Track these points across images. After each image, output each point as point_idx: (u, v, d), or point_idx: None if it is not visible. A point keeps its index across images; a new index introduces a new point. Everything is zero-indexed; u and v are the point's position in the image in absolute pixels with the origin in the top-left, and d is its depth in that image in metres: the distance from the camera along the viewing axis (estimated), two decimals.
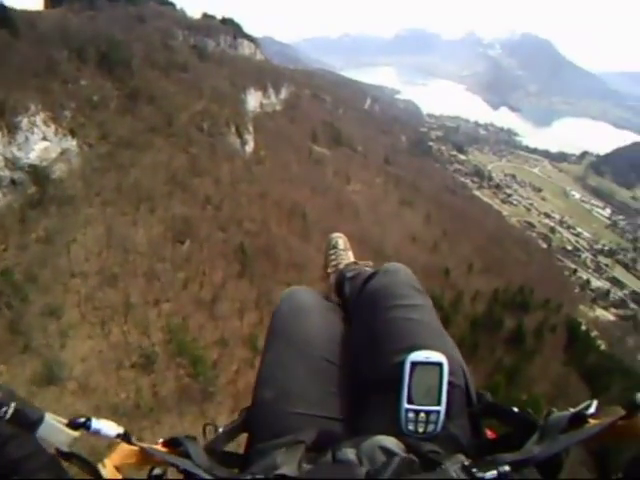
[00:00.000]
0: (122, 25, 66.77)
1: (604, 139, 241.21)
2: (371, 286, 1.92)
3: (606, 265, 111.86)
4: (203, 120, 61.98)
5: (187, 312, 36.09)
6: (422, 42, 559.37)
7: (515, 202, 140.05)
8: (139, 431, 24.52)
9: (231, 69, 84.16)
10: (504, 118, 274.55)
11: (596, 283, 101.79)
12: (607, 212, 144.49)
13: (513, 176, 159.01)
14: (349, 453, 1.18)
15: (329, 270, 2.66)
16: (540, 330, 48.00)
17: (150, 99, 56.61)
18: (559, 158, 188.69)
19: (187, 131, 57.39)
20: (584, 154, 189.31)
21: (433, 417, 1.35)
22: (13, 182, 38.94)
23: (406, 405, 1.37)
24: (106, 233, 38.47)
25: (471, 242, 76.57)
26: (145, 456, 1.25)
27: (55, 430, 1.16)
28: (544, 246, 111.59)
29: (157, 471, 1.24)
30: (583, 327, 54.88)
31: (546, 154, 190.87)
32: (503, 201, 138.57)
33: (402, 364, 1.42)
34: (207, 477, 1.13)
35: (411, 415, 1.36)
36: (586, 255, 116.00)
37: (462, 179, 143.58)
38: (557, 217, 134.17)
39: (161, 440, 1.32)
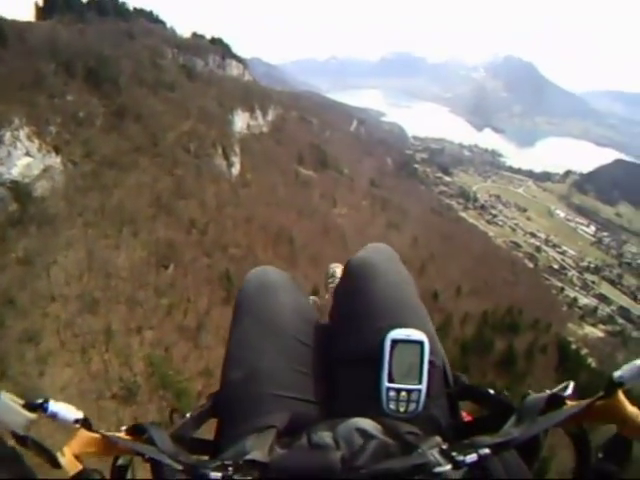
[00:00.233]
0: (111, 40, 66.14)
1: (587, 158, 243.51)
2: (353, 262, 1.81)
3: (592, 282, 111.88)
4: (190, 141, 61.30)
5: (171, 340, 34.77)
6: (407, 65, 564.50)
7: (500, 223, 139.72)
8: None
9: (219, 89, 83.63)
10: (488, 139, 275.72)
11: (583, 300, 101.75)
12: (592, 229, 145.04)
13: (498, 197, 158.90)
14: (325, 437, 1.16)
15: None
16: (531, 351, 47.61)
17: (137, 117, 55.87)
18: (543, 178, 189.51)
19: (173, 152, 56.63)
20: (567, 173, 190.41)
21: (414, 396, 1.34)
22: None
23: (387, 384, 1.36)
24: (87, 256, 37.17)
25: (458, 264, 76.33)
26: (107, 444, 1.18)
27: (10, 410, 1.07)
28: (530, 266, 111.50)
29: (122, 461, 1.20)
30: (573, 346, 54.42)
31: (530, 174, 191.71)
32: (489, 222, 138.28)
33: (382, 342, 1.40)
34: (172, 463, 1.08)
35: (392, 394, 1.36)
36: (572, 273, 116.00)
37: (448, 201, 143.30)
38: (542, 236, 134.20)
39: (124, 428, 1.26)
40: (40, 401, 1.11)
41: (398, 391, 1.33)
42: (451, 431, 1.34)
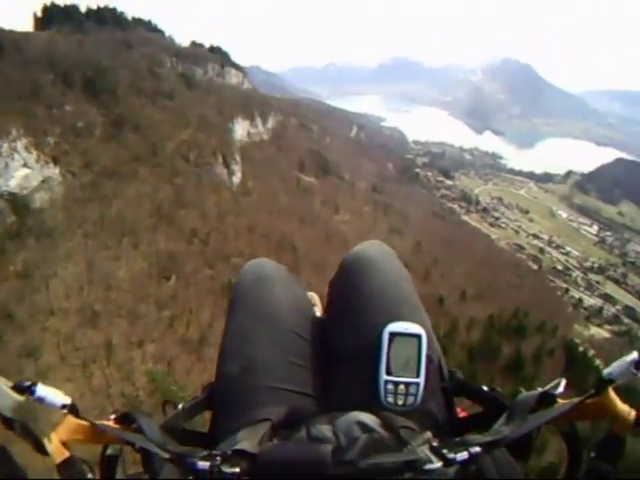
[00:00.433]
0: (109, 50, 65.97)
1: (587, 157, 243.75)
2: (347, 259, 1.82)
3: (597, 282, 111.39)
4: (189, 150, 60.80)
5: (173, 354, 33.96)
6: (406, 70, 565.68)
7: (503, 225, 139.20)
8: None
9: (218, 98, 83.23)
10: (488, 142, 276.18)
11: (588, 301, 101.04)
12: (594, 229, 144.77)
13: (500, 199, 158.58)
14: (325, 430, 1.16)
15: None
16: (538, 355, 47.02)
17: (135, 127, 55.48)
18: (544, 179, 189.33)
19: (173, 161, 56.19)
20: (569, 173, 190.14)
21: (412, 389, 1.35)
22: None
23: (385, 376, 1.37)
24: (87, 268, 36.62)
25: (462, 268, 75.75)
26: (95, 432, 1.16)
27: None
28: (535, 267, 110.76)
29: (111, 451, 1.19)
30: (580, 348, 53.53)
31: (531, 175, 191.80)
32: (491, 225, 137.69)
33: (380, 335, 1.41)
34: (159, 452, 1.07)
35: (390, 387, 1.36)
36: (577, 274, 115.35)
37: (450, 204, 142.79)
38: (545, 237, 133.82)
39: (113, 416, 1.24)
40: (28, 384, 1.08)
41: (396, 384, 1.35)
42: (447, 427, 1.36)
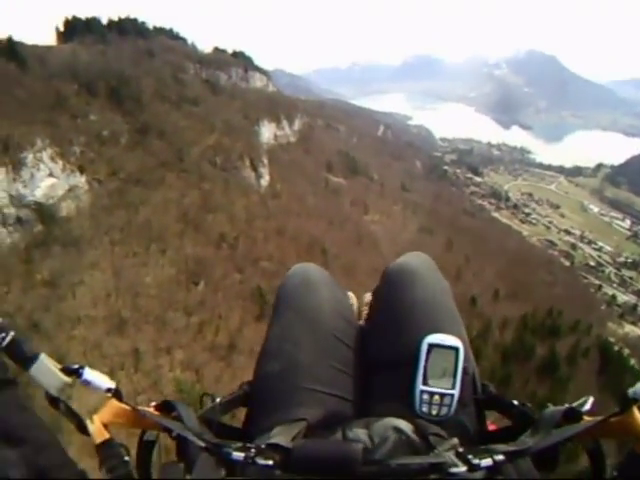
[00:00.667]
0: (132, 59, 66.29)
1: (617, 149, 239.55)
2: (393, 267, 1.85)
3: (630, 278, 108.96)
4: (216, 154, 60.67)
5: (202, 360, 33.47)
6: (429, 67, 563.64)
7: (534, 221, 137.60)
8: None
9: (244, 102, 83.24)
10: (516, 137, 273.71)
11: (622, 298, 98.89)
12: (627, 223, 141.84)
13: (530, 195, 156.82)
14: (360, 433, 1.20)
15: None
16: (573, 356, 45.98)
17: (161, 134, 55.46)
18: (574, 173, 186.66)
19: (199, 166, 55.99)
20: (599, 166, 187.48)
21: (447, 400, 1.37)
22: (19, 220, 37.47)
23: (421, 386, 1.39)
24: (114, 275, 36.39)
25: (494, 266, 74.83)
26: (136, 417, 1.21)
27: (48, 372, 1.11)
28: (567, 264, 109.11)
29: (149, 436, 1.24)
30: (615, 347, 52.07)
31: (561, 170, 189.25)
32: (522, 221, 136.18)
33: (419, 345, 1.43)
34: (196, 440, 1.11)
35: (426, 397, 1.38)
36: (610, 269, 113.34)
37: (479, 201, 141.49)
38: (577, 233, 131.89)
39: (154, 403, 1.30)
40: (76, 366, 1.16)
41: (431, 394, 1.37)
42: (477, 438, 1.37)
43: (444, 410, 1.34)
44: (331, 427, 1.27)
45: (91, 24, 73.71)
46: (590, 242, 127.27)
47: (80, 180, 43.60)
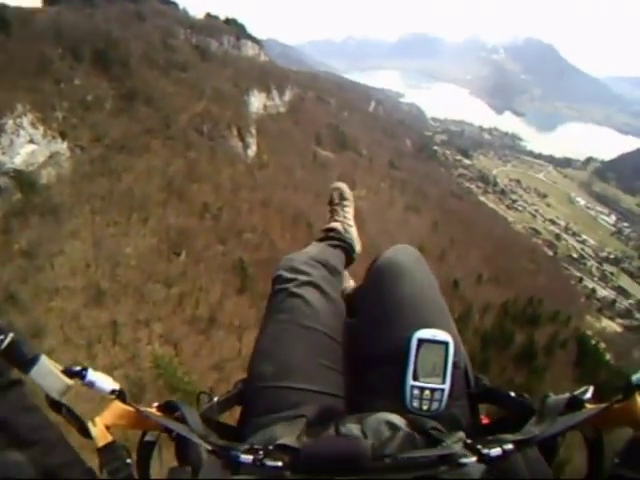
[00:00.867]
0: (120, 23, 64.66)
1: (608, 145, 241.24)
2: (381, 262, 1.88)
3: (611, 274, 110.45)
4: (203, 122, 59.52)
5: (181, 334, 33.03)
6: (426, 46, 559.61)
7: (520, 208, 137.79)
8: None
9: (234, 70, 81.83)
10: (508, 122, 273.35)
11: (602, 292, 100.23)
12: (612, 219, 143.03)
13: (518, 181, 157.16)
14: (353, 428, 1.23)
15: (349, 222, 2.73)
16: (551, 346, 46.83)
17: (147, 100, 54.26)
18: (564, 164, 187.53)
19: (186, 134, 54.88)
20: (589, 160, 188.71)
21: (437, 395, 1.39)
22: None
23: (411, 381, 1.41)
24: (94, 245, 35.65)
25: (479, 250, 75.32)
26: (139, 419, 1.20)
27: (49, 374, 1.08)
28: (550, 254, 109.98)
29: (150, 437, 1.24)
30: (592, 341, 52.92)
31: (551, 159, 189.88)
32: (508, 207, 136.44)
33: (408, 340, 1.46)
34: (202, 443, 1.12)
35: (416, 392, 1.40)
36: (592, 263, 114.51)
37: (467, 184, 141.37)
38: (562, 224, 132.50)
39: (156, 404, 1.30)
40: (79, 368, 1.13)
41: (422, 389, 1.39)
42: (470, 431, 1.35)
43: (435, 405, 1.37)
44: (324, 423, 1.30)
45: None
46: (574, 234, 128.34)
47: (62, 146, 42.50)
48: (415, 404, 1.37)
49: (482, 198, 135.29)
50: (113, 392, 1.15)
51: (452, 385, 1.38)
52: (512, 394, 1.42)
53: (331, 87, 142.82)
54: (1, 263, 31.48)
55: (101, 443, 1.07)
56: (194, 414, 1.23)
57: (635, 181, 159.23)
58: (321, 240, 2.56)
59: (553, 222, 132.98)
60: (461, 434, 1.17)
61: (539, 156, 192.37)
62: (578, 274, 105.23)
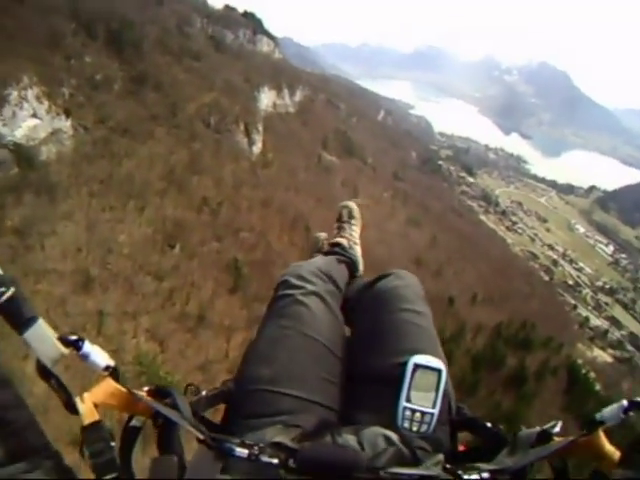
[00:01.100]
0: (138, 4, 63.74)
1: (612, 175, 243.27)
2: (383, 285, 2.00)
3: (606, 303, 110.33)
4: (211, 114, 58.63)
5: (168, 330, 31.93)
6: (440, 60, 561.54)
7: (520, 231, 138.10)
8: None
9: (247, 64, 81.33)
10: (515, 144, 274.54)
11: (595, 321, 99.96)
12: (610, 249, 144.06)
13: (520, 204, 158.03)
14: (350, 439, 1.26)
15: (355, 240, 2.78)
16: (542, 372, 46.25)
17: (157, 85, 53.55)
18: (566, 190, 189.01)
19: (192, 124, 54.02)
20: (591, 188, 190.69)
21: (427, 418, 1.43)
22: None
23: (404, 403, 1.45)
24: (88, 229, 34.56)
25: (475, 269, 75.01)
26: (129, 401, 1.17)
27: (45, 339, 1.03)
28: (546, 279, 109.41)
29: (135, 422, 1.21)
30: (583, 370, 52.48)
31: (553, 185, 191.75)
32: (508, 228, 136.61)
33: (405, 364, 1.50)
34: (194, 431, 1.12)
35: (408, 413, 1.44)
36: (587, 291, 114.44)
37: (469, 202, 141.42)
38: (560, 250, 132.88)
39: (146, 388, 1.26)
40: (75, 337, 1.09)
41: (413, 411, 1.43)
42: (449, 456, 1.40)
43: (424, 427, 1.41)
44: (319, 433, 1.31)
45: None
46: (572, 261, 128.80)
47: (65, 124, 41.41)
48: (406, 424, 1.41)
49: (483, 217, 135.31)
50: (107, 368, 1.12)
51: (440, 411, 1.43)
52: (489, 425, 1.49)
53: (342, 92, 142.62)
54: None
55: (87, 421, 1.03)
56: (185, 403, 1.22)
57: (635, 213, 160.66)
58: (327, 254, 2.60)
59: (551, 247, 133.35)
60: (441, 457, 1.25)
61: (542, 180, 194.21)
62: (573, 301, 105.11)
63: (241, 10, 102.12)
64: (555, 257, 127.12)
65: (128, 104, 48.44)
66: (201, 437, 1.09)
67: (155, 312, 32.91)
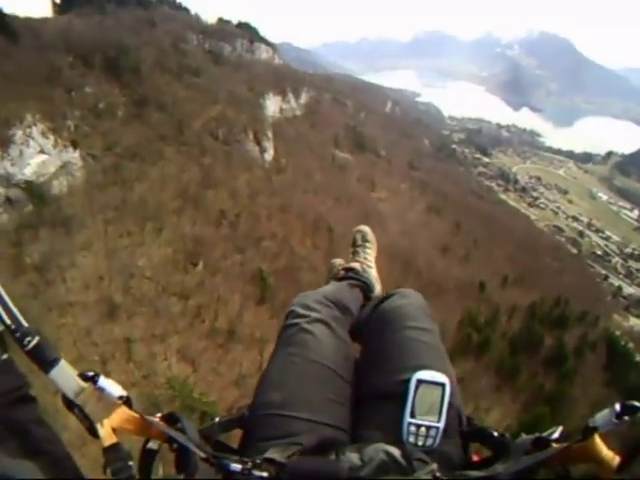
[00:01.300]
0: (131, 30, 63.91)
1: (628, 138, 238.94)
2: (387, 305, 2.07)
3: (637, 270, 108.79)
4: (218, 127, 58.18)
5: (199, 348, 31.58)
6: (440, 44, 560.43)
7: (542, 205, 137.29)
8: None
9: (248, 73, 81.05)
10: (526, 119, 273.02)
11: (628, 290, 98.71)
12: (635, 214, 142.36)
13: (538, 178, 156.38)
14: (353, 457, 1.31)
15: (369, 264, 2.84)
16: (581, 349, 45.67)
17: (160, 106, 53.16)
18: (584, 159, 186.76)
19: (200, 139, 53.54)
20: (609, 154, 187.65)
21: (432, 432, 1.47)
22: (8, 200, 35.07)
23: (409, 419, 1.50)
24: (108, 256, 34.31)
25: (502, 250, 73.72)
26: (143, 425, 1.30)
27: (67, 376, 1.20)
28: (574, 251, 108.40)
29: (152, 445, 1.30)
30: (622, 342, 51.25)
31: (570, 155, 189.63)
32: (530, 205, 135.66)
33: (408, 381, 1.55)
34: (197, 451, 1.23)
35: (413, 428, 1.48)
36: (617, 260, 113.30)
37: (487, 182, 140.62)
38: (585, 220, 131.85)
39: (159, 414, 1.38)
40: (92, 374, 1.23)
41: (418, 426, 1.47)
42: (461, 468, 1.44)
43: (429, 441, 1.45)
44: (321, 451, 1.39)
45: None
46: (598, 230, 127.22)
47: (73, 155, 41.32)
48: (411, 439, 1.45)
49: (503, 196, 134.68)
50: (121, 398, 1.24)
51: (447, 424, 1.46)
52: (495, 433, 1.51)
53: (347, 89, 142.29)
54: (15, 277, 30.27)
55: (107, 443, 1.16)
56: (193, 427, 1.32)
57: None
58: (340, 279, 2.64)
59: (576, 219, 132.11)
60: (434, 466, 1.24)
61: (558, 152, 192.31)
62: (603, 272, 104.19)
63: (235, 22, 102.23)
64: (581, 228, 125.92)
65: (134, 128, 48.26)
66: (203, 456, 1.19)
67: (184, 332, 32.55)
